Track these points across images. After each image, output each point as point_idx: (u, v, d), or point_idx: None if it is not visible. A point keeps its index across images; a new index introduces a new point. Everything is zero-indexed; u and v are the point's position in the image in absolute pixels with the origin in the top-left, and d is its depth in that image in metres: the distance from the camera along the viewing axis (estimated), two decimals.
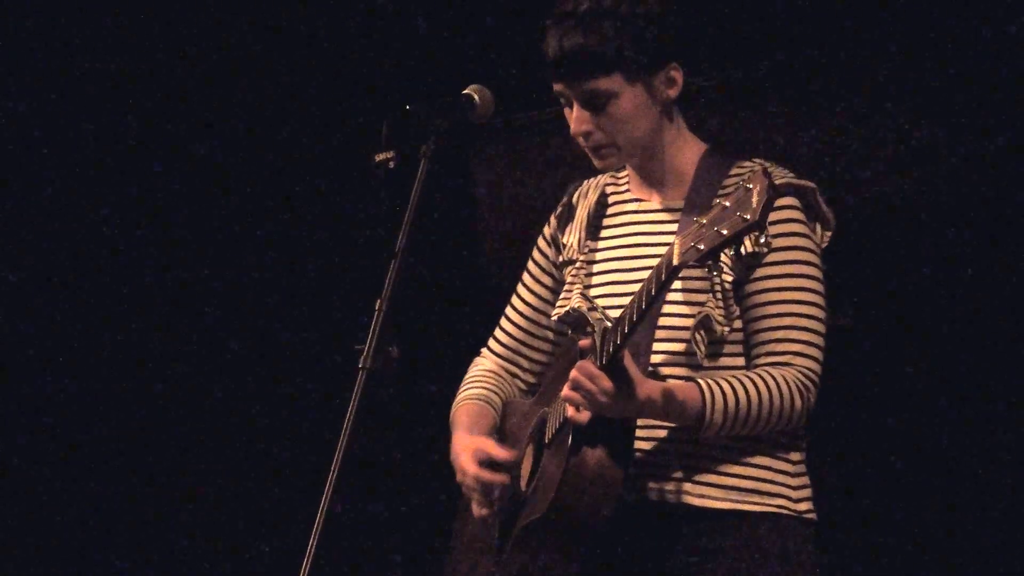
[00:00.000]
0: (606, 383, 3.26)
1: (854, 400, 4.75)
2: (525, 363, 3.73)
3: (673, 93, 3.50)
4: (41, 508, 5.56)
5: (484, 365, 3.76)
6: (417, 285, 3.75)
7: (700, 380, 3.36)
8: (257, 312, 5.42)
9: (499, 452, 3.50)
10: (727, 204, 3.09)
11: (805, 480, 3.49)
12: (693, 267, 3.16)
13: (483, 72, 3.63)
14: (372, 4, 5.30)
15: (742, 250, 3.17)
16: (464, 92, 3.47)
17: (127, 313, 5.54)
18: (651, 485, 3.41)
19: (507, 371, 3.75)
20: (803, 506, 3.47)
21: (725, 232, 3.07)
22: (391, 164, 3.25)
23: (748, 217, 3.04)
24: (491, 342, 3.77)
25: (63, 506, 5.56)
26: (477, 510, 3.55)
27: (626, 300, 3.32)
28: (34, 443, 5.54)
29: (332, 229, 5.24)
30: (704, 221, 3.11)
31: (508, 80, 4.11)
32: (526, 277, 3.74)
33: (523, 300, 3.73)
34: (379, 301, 3.19)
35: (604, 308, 3.43)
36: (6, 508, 5.56)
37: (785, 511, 3.44)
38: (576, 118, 3.49)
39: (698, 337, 3.40)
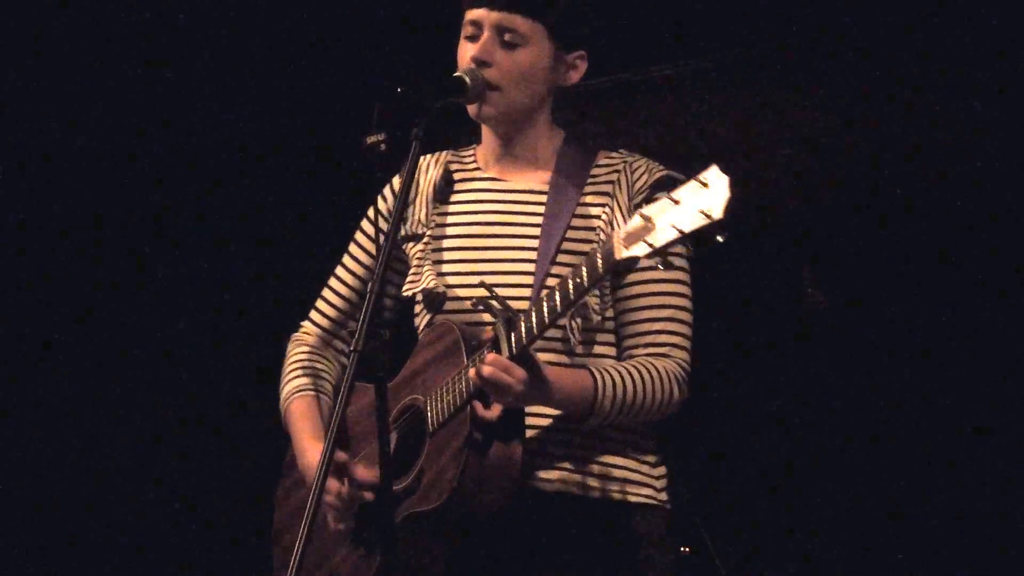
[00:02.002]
0: (519, 372, 3.26)
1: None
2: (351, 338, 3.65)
3: (572, 78, 3.53)
4: (38, 508, 5.55)
5: (306, 342, 3.70)
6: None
7: (592, 368, 3.38)
8: (246, 295, 5.41)
9: (364, 474, 3.42)
10: (677, 199, 3.04)
11: (664, 470, 3.55)
12: (577, 237, 3.16)
13: None
14: None
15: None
16: (455, 74, 3.47)
17: (117, 300, 5.53)
18: (536, 476, 3.42)
19: (331, 345, 3.69)
20: (664, 496, 3.54)
21: (684, 229, 3.03)
22: (382, 146, 3.25)
23: (711, 215, 3.00)
24: (313, 314, 3.71)
25: (58, 504, 5.55)
26: (334, 524, 3.48)
27: (480, 279, 3.35)
28: (29, 443, 5.53)
29: (323, 211, 5.23)
30: (649, 214, 3.07)
31: None
32: (354, 248, 3.68)
33: (351, 272, 3.67)
34: (370, 283, 3.19)
35: (456, 287, 3.44)
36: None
37: (653, 501, 3.50)
38: (483, 45, 3.46)
39: (573, 324, 3.43)
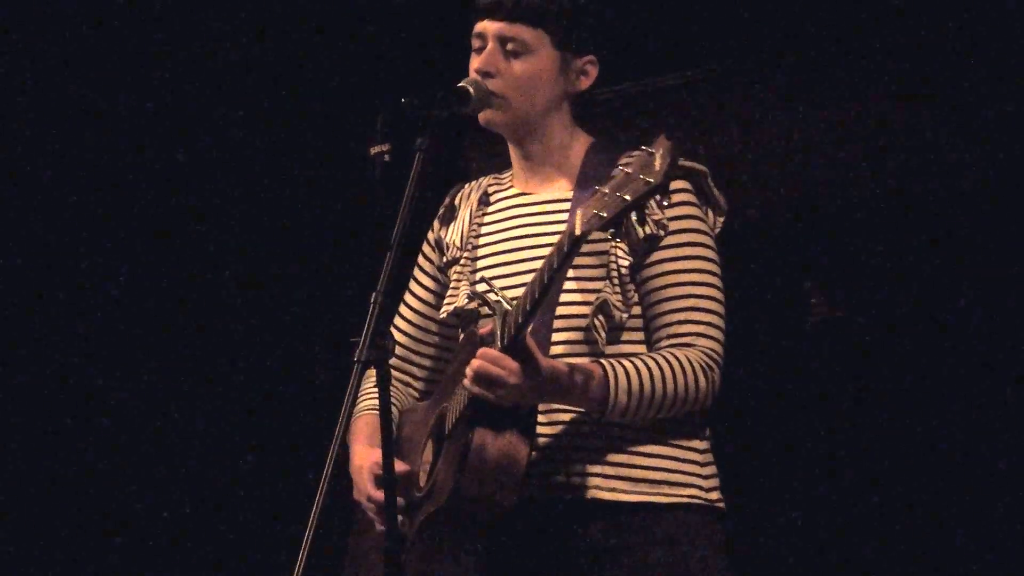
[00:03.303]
0: (510, 363, 3.23)
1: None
2: (417, 371, 3.72)
3: (582, 85, 3.55)
4: (39, 508, 5.56)
5: None
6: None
7: (603, 360, 3.34)
8: (253, 305, 5.42)
9: (398, 465, 3.41)
10: (629, 170, 3.08)
11: (714, 469, 3.50)
12: (596, 238, 3.14)
13: None
14: None
15: (644, 226, 3.24)
16: (459, 85, 3.49)
17: (120, 305, 5.54)
18: (560, 480, 3.39)
19: (400, 380, 3.71)
20: (714, 495, 3.48)
21: (628, 197, 3.05)
22: (386, 157, 3.26)
23: (651, 180, 3.03)
24: None
25: (59, 505, 5.57)
26: (380, 525, 3.48)
27: (514, 292, 3.32)
28: (29, 442, 5.55)
29: (328, 222, 5.25)
30: (606, 189, 3.09)
31: None
32: (412, 284, 3.73)
33: (411, 308, 3.72)
34: (374, 294, 3.20)
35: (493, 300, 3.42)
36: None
37: (697, 501, 3.44)
38: (486, 56, 3.50)
39: (597, 323, 3.40)
